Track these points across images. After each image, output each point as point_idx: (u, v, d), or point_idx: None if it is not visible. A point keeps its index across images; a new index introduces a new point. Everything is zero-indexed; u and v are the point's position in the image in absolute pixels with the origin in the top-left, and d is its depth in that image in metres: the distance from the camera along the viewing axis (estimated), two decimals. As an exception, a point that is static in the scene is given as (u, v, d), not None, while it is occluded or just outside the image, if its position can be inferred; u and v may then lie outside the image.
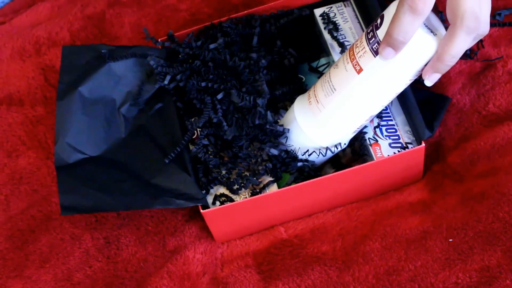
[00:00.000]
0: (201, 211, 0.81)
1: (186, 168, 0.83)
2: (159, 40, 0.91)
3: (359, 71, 0.75)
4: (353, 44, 0.76)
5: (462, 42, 0.70)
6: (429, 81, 0.74)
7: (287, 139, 0.83)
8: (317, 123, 0.81)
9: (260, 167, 0.83)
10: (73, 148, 0.86)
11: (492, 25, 0.95)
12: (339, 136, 0.81)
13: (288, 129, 0.83)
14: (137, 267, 0.87)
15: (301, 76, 0.92)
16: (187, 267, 0.85)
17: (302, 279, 0.83)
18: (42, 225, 0.91)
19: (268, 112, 0.82)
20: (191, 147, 0.87)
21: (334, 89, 0.78)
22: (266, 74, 0.86)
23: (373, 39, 0.73)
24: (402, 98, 0.86)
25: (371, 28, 0.74)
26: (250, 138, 0.84)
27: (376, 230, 0.84)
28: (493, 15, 0.96)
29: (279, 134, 0.83)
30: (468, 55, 0.93)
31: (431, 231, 0.82)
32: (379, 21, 0.73)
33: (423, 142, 0.82)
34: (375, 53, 0.73)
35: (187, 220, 0.89)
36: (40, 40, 1.05)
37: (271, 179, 0.84)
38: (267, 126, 0.82)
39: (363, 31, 0.89)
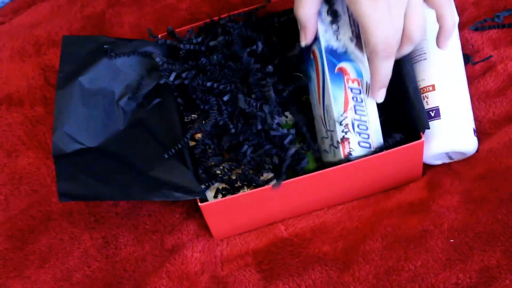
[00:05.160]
0: (200, 204, 0.80)
1: (185, 162, 0.83)
2: (159, 36, 0.91)
3: None
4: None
5: (385, 68, 0.75)
6: (379, 99, 0.79)
7: (292, 139, 0.83)
8: None
9: (264, 167, 0.83)
10: (71, 138, 0.85)
11: (491, 27, 0.96)
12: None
13: (294, 130, 0.83)
14: (135, 266, 0.87)
15: (299, 74, 0.92)
16: (186, 266, 0.85)
17: (302, 279, 0.82)
18: (42, 225, 0.91)
19: (271, 116, 0.82)
20: (191, 143, 0.87)
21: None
22: (273, 76, 0.86)
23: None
24: (402, 91, 0.84)
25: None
26: (254, 144, 0.84)
27: (376, 230, 0.84)
28: (492, 17, 0.96)
29: (284, 137, 0.83)
30: (464, 60, 0.92)
31: (431, 231, 0.82)
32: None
33: (422, 136, 0.81)
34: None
35: (185, 218, 0.89)
36: (40, 40, 1.05)
37: (272, 175, 0.84)
38: (270, 132, 0.82)
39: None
